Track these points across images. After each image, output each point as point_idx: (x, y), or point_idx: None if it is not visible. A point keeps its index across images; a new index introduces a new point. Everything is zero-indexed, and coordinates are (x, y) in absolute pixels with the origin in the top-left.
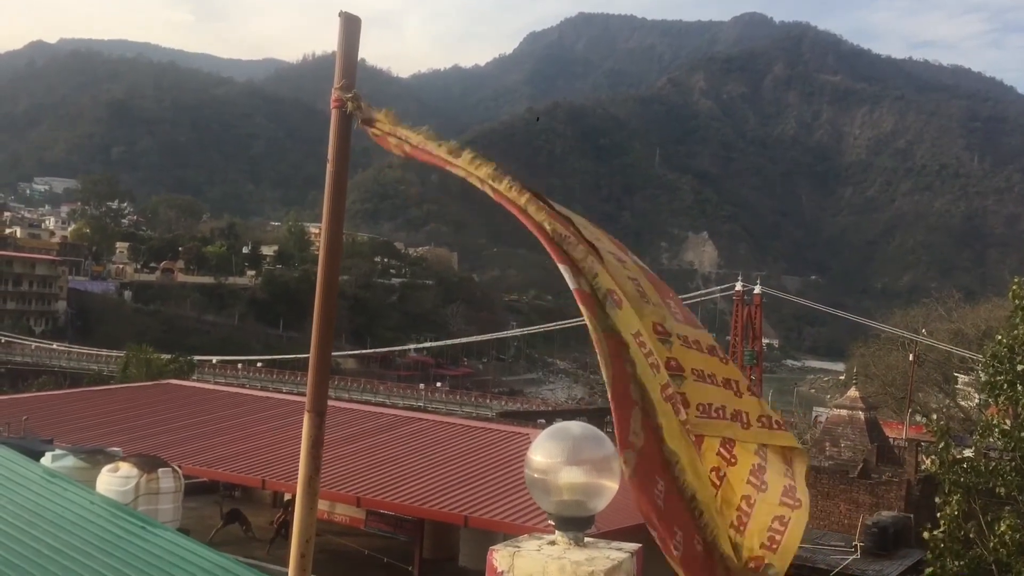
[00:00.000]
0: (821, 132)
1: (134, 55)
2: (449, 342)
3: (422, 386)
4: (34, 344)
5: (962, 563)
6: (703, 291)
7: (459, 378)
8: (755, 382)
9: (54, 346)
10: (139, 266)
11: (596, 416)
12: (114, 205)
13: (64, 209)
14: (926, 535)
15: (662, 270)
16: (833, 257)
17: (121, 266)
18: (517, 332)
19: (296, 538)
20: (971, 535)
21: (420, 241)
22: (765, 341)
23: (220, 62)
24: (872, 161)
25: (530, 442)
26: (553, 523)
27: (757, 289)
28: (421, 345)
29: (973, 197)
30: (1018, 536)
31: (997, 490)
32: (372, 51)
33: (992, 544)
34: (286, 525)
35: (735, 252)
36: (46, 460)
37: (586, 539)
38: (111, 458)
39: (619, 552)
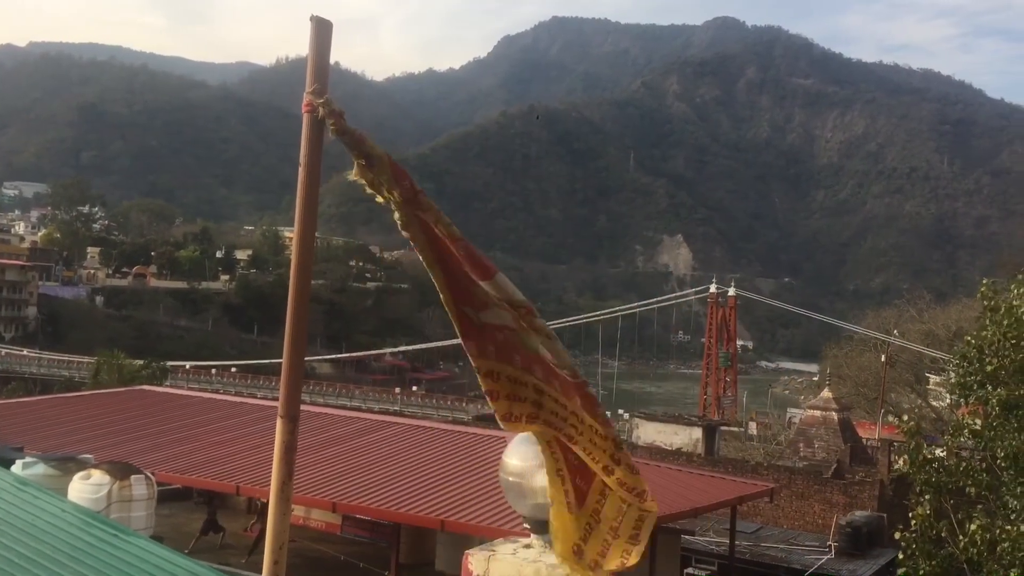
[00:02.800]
0: (794, 135)
1: (106, 58)
2: (425, 346)
3: (398, 390)
4: (4, 350)
5: (934, 563)
6: (678, 293)
7: (435, 382)
8: (730, 383)
9: (24, 352)
10: (111, 271)
11: None
12: (85, 210)
13: (34, 214)
14: (898, 535)
15: (637, 273)
16: (806, 259)
17: (92, 271)
18: None
19: (269, 544)
20: (942, 534)
21: (396, 245)
22: (739, 343)
23: (193, 65)
24: (844, 164)
25: (506, 446)
26: (528, 527)
27: (731, 291)
28: (397, 349)
29: (943, 199)
30: (988, 535)
31: (968, 490)
32: (346, 54)
33: (963, 544)
34: (264, 534)
35: (709, 255)
36: (16, 468)
37: None
38: (83, 465)
39: None
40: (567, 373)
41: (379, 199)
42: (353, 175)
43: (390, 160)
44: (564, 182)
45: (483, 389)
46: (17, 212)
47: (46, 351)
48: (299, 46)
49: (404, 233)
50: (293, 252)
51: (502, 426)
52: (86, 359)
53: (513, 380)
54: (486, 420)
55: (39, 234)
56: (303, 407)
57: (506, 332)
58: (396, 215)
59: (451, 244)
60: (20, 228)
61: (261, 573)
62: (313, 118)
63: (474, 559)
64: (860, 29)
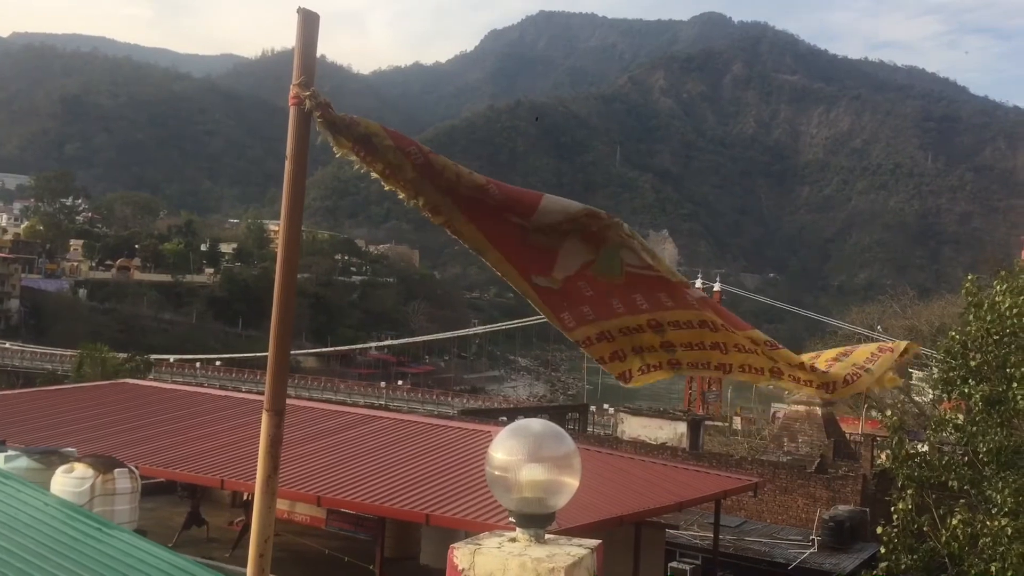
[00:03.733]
0: (779, 131)
1: (89, 50)
2: (410, 340)
3: (383, 384)
4: None
5: (916, 557)
6: None
7: (420, 376)
8: (715, 379)
9: (7, 345)
10: (94, 264)
11: (558, 414)
12: (68, 202)
13: (17, 206)
14: (880, 529)
15: None
16: (791, 255)
17: (76, 264)
18: (479, 330)
19: (254, 538)
20: (924, 529)
21: (381, 238)
22: None
23: (178, 57)
24: (829, 160)
25: (492, 440)
26: (514, 520)
27: (716, 287)
28: (382, 343)
29: (927, 196)
30: (970, 530)
31: (950, 484)
32: (333, 48)
33: (944, 538)
34: (249, 528)
35: (695, 250)
36: None
37: (547, 536)
38: (66, 459)
39: (580, 548)
40: (667, 274)
41: (402, 196)
42: (364, 168)
43: (388, 131)
44: (550, 176)
45: (598, 357)
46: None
47: (29, 344)
48: (285, 39)
49: (438, 222)
50: (279, 246)
51: (635, 384)
52: (69, 352)
53: (628, 330)
54: (472, 414)
55: (22, 226)
56: (288, 401)
57: (588, 277)
58: (419, 204)
59: (482, 195)
60: (3, 220)
61: (245, 567)
62: (300, 111)
63: (459, 553)
64: (846, 26)
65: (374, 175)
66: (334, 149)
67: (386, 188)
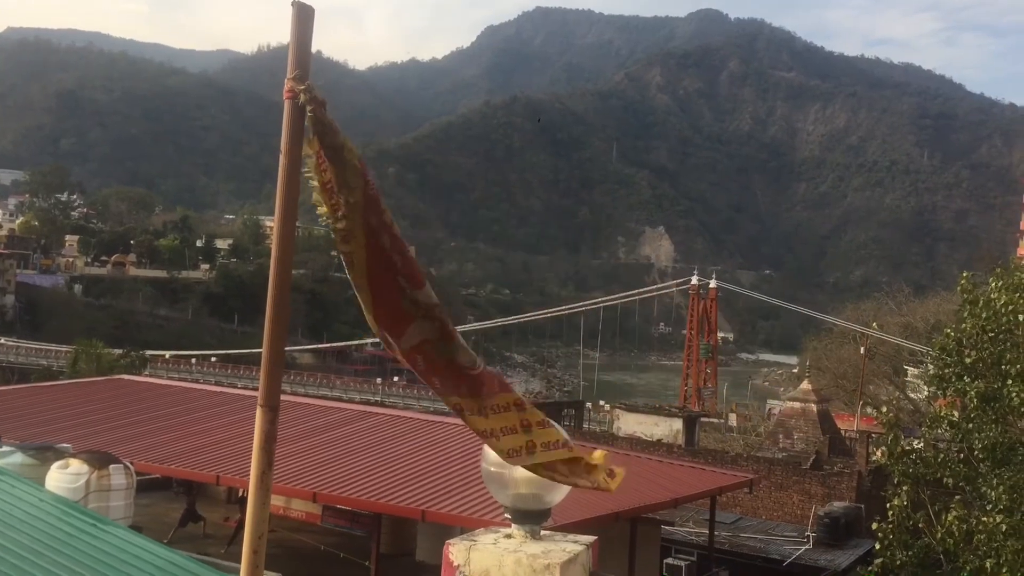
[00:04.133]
0: (775, 128)
1: (84, 44)
2: None
3: (379, 380)
4: None
5: (911, 553)
6: (659, 285)
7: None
8: (711, 375)
9: (2, 341)
10: (89, 260)
11: (554, 410)
12: (64, 197)
13: (12, 201)
14: (875, 526)
15: (619, 264)
16: (787, 252)
17: (71, 259)
18: (475, 326)
19: (249, 534)
20: (919, 525)
21: None
22: (720, 335)
23: (173, 52)
24: (825, 157)
25: None
26: (510, 517)
27: (712, 283)
28: (375, 340)
29: (923, 193)
30: (965, 526)
31: (945, 481)
32: (330, 43)
33: (940, 534)
34: (244, 524)
35: (691, 247)
36: None
37: (542, 532)
38: (61, 454)
39: (575, 544)
40: (479, 369)
41: (321, 209)
42: (310, 172)
43: (360, 156)
44: (547, 173)
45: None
46: None
47: (24, 340)
48: (281, 34)
49: (341, 248)
50: (274, 241)
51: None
52: (64, 348)
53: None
54: None
55: (17, 222)
56: (284, 397)
57: (424, 350)
58: (339, 225)
59: (394, 254)
60: None
61: (240, 563)
62: (295, 105)
63: (454, 549)
64: (843, 23)
65: (313, 182)
66: (305, 146)
67: (314, 198)
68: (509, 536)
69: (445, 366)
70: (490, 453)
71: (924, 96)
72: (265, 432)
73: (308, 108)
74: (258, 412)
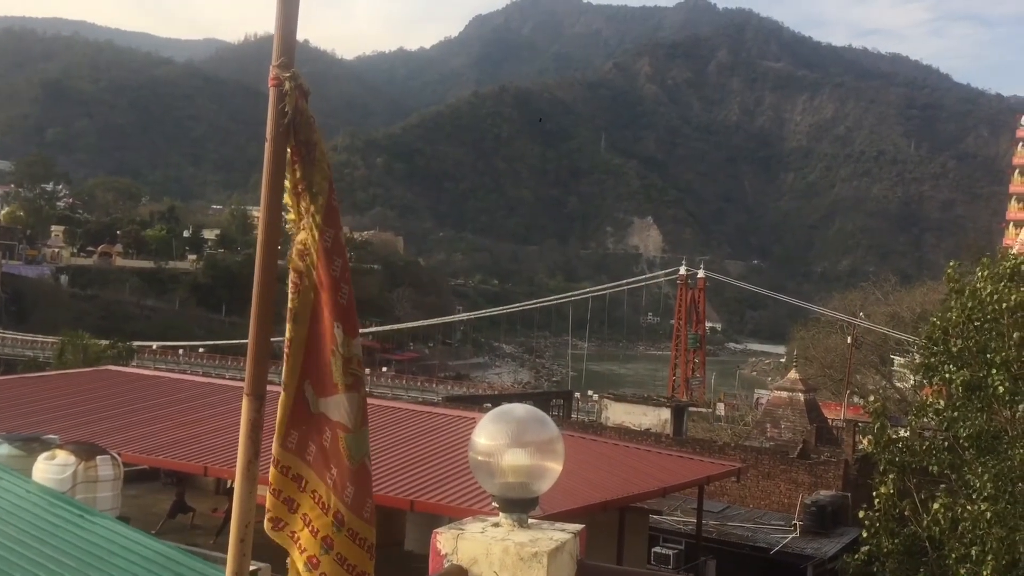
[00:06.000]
0: (763, 118)
1: (70, 33)
2: (395, 327)
3: (367, 371)
4: None
5: (897, 541)
6: (648, 275)
7: (405, 363)
8: (699, 365)
9: None
10: (76, 250)
11: (542, 400)
12: (49, 187)
13: None
14: (862, 514)
15: (607, 254)
16: (775, 242)
17: (57, 250)
18: (463, 316)
19: (235, 523)
20: (905, 513)
21: (365, 225)
22: (708, 324)
23: (159, 41)
24: (813, 147)
25: (475, 426)
26: (497, 505)
27: (700, 273)
28: (366, 330)
29: (910, 183)
30: (950, 514)
31: (931, 469)
32: (316, 32)
33: (925, 522)
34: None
35: (679, 237)
36: None
37: (530, 521)
38: (47, 446)
39: (562, 533)
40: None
41: (290, 216)
42: (288, 171)
43: (327, 161)
44: (535, 163)
45: (271, 488)
46: None
47: (9, 331)
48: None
49: (295, 263)
50: (260, 228)
51: (267, 529)
52: (51, 339)
53: (316, 501)
54: (456, 401)
55: (2, 212)
56: (271, 387)
57: (336, 435)
58: (300, 237)
59: (339, 284)
60: None
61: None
62: (280, 92)
63: (442, 538)
64: (831, 13)
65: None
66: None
67: (286, 199)
68: (497, 525)
69: (353, 470)
70: (478, 441)
71: (911, 86)
72: (251, 420)
73: (291, 95)
74: (244, 400)
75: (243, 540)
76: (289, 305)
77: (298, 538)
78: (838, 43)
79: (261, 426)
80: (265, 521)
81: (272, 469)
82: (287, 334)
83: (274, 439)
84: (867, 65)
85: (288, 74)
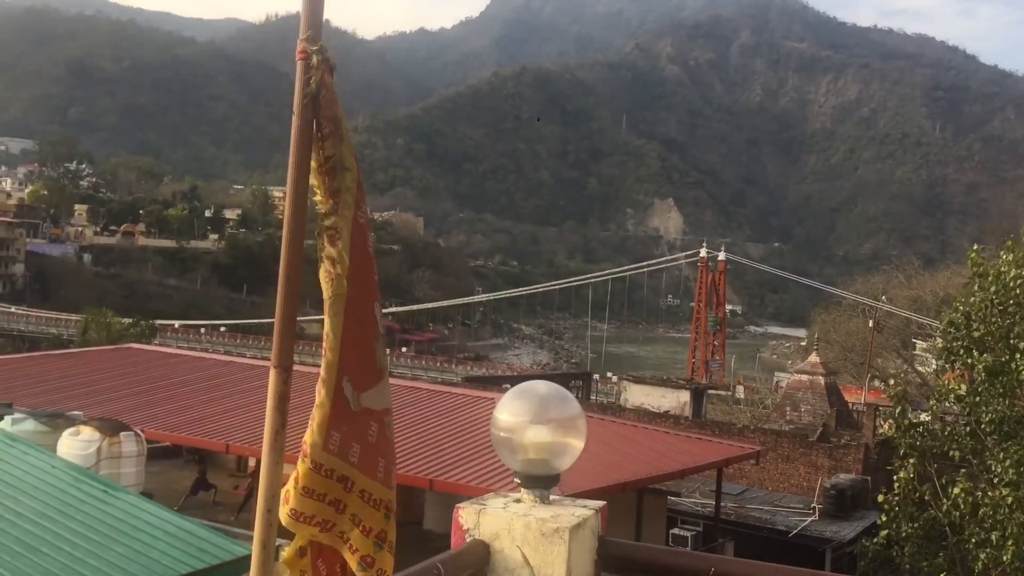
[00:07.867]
0: (786, 100)
1: (92, 12)
2: (415, 307)
3: (387, 351)
4: None
5: (916, 525)
6: (668, 257)
7: (425, 343)
8: (719, 347)
9: (12, 309)
10: (99, 229)
11: (561, 382)
12: (73, 167)
13: (21, 170)
14: (881, 498)
15: (628, 236)
16: (797, 224)
17: (80, 229)
18: (483, 298)
19: (262, 493)
20: (925, 497)
21: (386, 206)
22: (729, 307)
23: (181, 21)
24: (836, 129)
25: (495, 406)
26: (519, 481)
27: (721, 256)
28: (386, 310)
29: (934, 166)
30: (971, 499)
31: (951, 454)
32: (337, 12)
33: (945, 507)
34: (253, 492)
35: (700, 219)
36: (5, 424)
37: (552, 497)
38: (72, 422)
39: (584, 509)
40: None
41: (317, 197)
42: (315, 150)
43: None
44: (555, 144)
45: (306, 485)
46: (3, 168)
47: (34, 309)
48: (289, 3)
49: (327, 251)
50: (287, 200)
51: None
52: (74, 317)
53: (364, 498)
54: (475, 381)
55: (26, 191)
56: (293, 367)
57: (382, 424)
58: (330, 221)
59: (373, 269)
60: (7, 185)
61: (249, 530)
62: (307, 66)
63: (464, 513)
64: None
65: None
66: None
67: (312, 181)
68: (519, 501)
69: (391, 449)
70: (500, 418)
71: (937, 68)
72: (279, 393)
73: (317, 70)
74: (272, 373)
75: (271, 510)
76: (325, 296)
77: (348, 538)
78: (863, 23)
79: (288, 398)
80: (284, 513)
81: (313, 474)
82: (325, 328)
83: (310, 442)
84: (892, 46)
85: (316, 47)
